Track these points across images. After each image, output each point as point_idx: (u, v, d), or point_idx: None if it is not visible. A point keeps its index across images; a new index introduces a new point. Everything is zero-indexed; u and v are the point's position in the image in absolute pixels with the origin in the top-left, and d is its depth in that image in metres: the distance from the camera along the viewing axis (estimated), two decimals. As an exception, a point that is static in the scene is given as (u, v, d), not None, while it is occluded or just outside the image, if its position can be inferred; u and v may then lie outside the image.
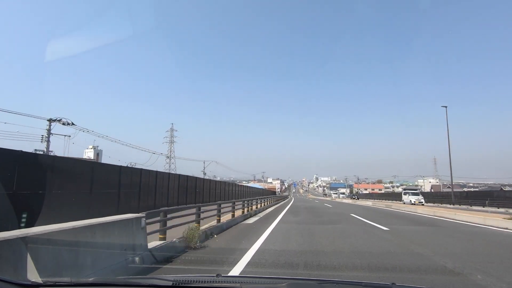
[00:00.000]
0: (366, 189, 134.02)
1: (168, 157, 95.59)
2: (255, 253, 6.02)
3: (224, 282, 2.05)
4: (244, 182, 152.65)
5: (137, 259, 4.36)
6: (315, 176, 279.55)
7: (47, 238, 3.06)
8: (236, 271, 4.50)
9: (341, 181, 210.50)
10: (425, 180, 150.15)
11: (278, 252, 6.19)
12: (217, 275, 2.02)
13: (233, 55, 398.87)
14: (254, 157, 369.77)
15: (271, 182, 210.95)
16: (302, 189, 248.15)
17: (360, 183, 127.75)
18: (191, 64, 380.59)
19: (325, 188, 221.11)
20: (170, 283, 1.81)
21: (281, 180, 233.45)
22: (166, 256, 5.25)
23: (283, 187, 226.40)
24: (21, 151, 8.38)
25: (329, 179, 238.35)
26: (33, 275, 2.67)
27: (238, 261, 5.15)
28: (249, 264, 5.02)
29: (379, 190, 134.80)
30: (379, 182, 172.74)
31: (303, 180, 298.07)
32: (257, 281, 2.27)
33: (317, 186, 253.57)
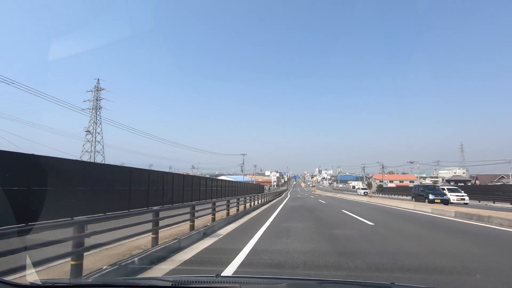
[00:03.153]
0: (391, 181, 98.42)
1: (88, 131, 60.15)
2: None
3: (223, 282, 2.02)
4: (241, 175, 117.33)
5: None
6: (317, 169, 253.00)
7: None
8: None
9: (347, 173, 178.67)
10: (450, 170, 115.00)
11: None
12: (216, 275, 1.96)
13: (234, 53, 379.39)
14: (254, 152, 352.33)
15: (269, 175, 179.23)
16: (304, 182, 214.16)
17: (385, 174, 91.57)
18: (191, 62, 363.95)
19: (330, 182, 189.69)
20: (169, 284, 1.76)
21: (280, 172, 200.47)
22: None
23: (282, 181, 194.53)
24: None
25: (333, 172, 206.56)
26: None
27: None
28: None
29: (411, 182, 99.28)
30: (391, 173, 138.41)
31: (305, 173, 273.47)
32: (256, 281, 2.22)
33: (321, 179, 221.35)
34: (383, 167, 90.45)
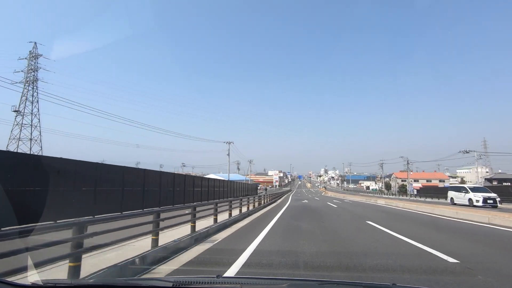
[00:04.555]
0: (416, 180, 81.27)
1: (18, 111, 44.49)
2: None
3: (225, 283, 2.00)
4: (236, 174, 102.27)
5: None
6: (323, 169, 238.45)
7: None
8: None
9: (355, 173, 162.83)
10: (470, 169, 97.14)
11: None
12: (218, 276, 1.95)
13: (236, 52, 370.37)
14: (257, 153, 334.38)
15: (271, 175, 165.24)
16: (309, 183, 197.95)
17: (411, 171, 74.28)
18: (192, 62, 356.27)
19: (338, 182, 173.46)
20: (170, 284, 1.73)
21: (283, 172, 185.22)
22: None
23: (286, 181, 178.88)
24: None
25: (339, 172, 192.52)
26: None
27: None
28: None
29: (441, 181, 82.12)
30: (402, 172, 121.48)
31: (310, 173, 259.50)
32: (257, 281, 2.14)
33: (328, 179, 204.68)
34: (408, 163, 73.20)
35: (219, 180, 33.35)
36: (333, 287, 1.82)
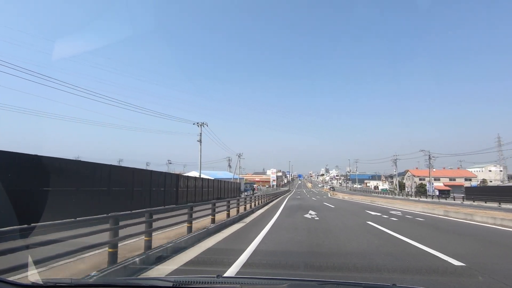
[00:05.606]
0: (437, 179, 68.59)
1: None
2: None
3: (225, 283, 1.99)
4: (225, 171, 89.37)
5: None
6: (323, 168, 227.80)
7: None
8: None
9: (357, 172, 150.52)
10: (484, 168, 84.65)
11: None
12: (218, 276, 1.95)
13: (237, 56, 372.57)
14: (258, 153, 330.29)
15: (269, 175, 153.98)
16: (310, 182, 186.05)
17: (433, 169, 61.37)
18: (193, 64, 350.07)
19: (340, 182, 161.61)
20: (170, 284, 1.73)
21: (283, 172, 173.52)
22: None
23: (285, 180, 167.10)
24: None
25: (339, 171, 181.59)
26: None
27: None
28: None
29: (467, 180, 69.44)
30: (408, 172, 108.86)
31: (310, 173, 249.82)
32: (257, 281, 2.13)
33: (329, 178, 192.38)
34: (430, 158, 60.47)
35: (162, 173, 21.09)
36: (333, 287, 1.80)
